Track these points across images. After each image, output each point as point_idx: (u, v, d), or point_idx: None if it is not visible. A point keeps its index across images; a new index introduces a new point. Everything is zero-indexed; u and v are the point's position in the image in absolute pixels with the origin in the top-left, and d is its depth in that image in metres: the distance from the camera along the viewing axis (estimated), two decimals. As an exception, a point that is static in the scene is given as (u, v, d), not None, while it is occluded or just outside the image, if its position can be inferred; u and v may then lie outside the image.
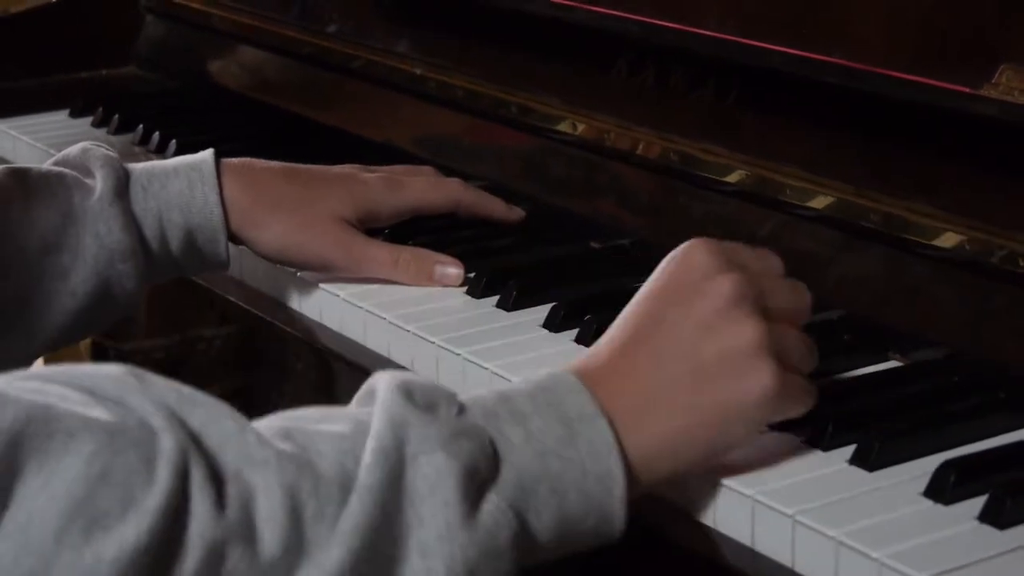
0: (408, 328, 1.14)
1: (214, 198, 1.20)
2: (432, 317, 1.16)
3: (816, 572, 0.85)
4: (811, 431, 0.94)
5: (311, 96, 1.65)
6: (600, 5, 1.28)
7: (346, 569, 0.76)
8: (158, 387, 0.78)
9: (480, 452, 0.81)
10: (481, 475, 0.81)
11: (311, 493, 0.77)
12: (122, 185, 1.18)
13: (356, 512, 0.77)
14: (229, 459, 0.76)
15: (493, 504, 0.81)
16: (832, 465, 0.92)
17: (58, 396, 0.75)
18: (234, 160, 1.24)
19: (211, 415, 0.78)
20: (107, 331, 1.66)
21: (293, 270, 1.25)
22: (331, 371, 1.70)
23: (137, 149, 1.60)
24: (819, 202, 1.13)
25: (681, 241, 1.21)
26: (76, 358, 2.82)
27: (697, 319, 0.90)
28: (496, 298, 1.19)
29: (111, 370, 0.78)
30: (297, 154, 1.53)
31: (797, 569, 0.86)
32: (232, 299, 1.31)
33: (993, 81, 1.00)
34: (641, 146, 1.27)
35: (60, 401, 0.74)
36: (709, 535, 0.91)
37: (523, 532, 0.82)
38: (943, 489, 0.87)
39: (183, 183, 1.20)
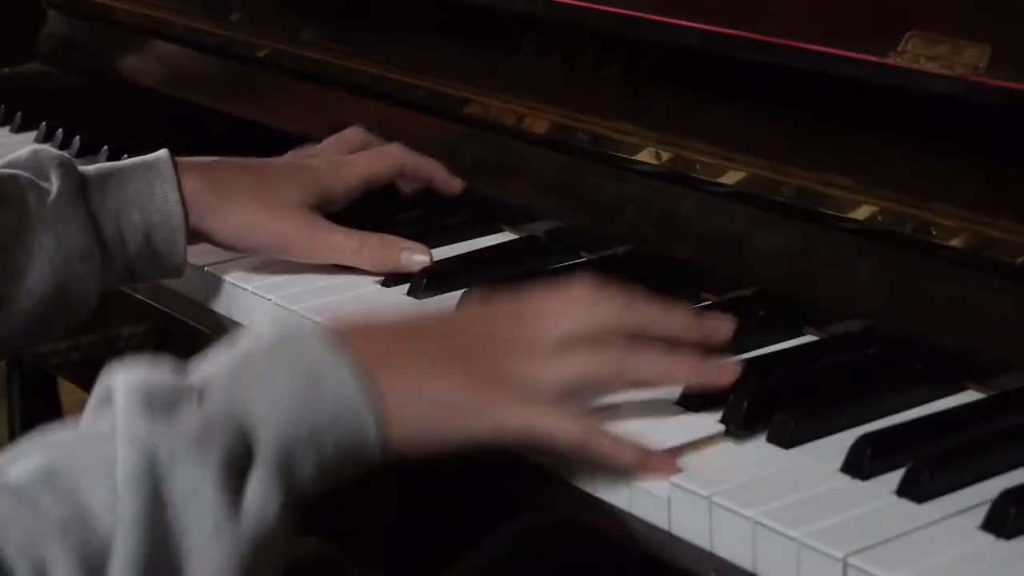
0: (317, 319, 1.12)
1: (174, 196, 1.17)
2: (342, 306, 1.14)
3: (734, 553, 0.84)
4: (727, 410, 0.93)
5: (219, 88, 1.63)
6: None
7: None
8: None
9: (232, 438, 0.82)
10: (238, 460, 0.82)
11: (100, 548, 0.78)
12: (79, 185, 1.15)
13: (123, 549, 0.78)
14: (13, 537, 0.76)
15: (257, 481, 0.82)
16: (749, 444, 0.91)
17: None
18: (187, 158, 1.21)
19: None
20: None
21: (202, 265, 1.23)
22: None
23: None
24: (731, 177, 1.12)
25: (593, 221, 1.21)
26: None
27: (462, 333, 0.92)
28: (407, 286, 1.17)
29: None
30: (207, 147, 1.51)
31: (715, 551, 0.85)
32: (146, 299, 1.28)
33: (899, 49, 0.99)
34: (550, 127, 1.26)
35: None
36: (627, 521, 0.89)
37: (289, 495, 0.83)
38: (860, 464, 0.86)
39: (141, 182, 1.17)
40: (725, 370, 0.93)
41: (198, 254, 1.23)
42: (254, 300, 1.19)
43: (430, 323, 0.94)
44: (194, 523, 0.80)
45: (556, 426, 0.88)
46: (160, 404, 0.82)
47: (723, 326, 0.96)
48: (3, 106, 1.66)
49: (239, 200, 1.20)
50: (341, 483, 0.87)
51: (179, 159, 1.20)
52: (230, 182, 1.21)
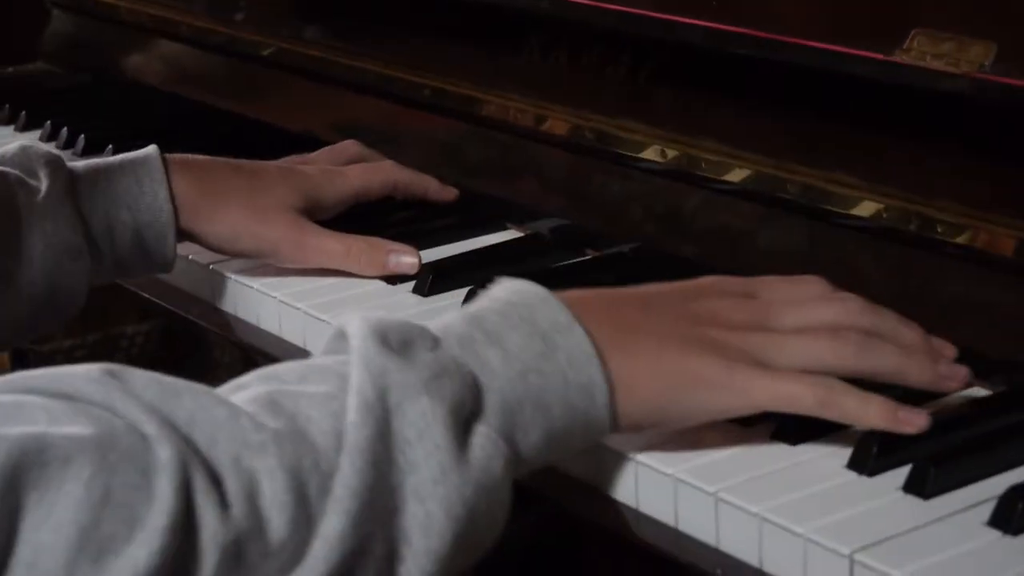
0: (323, 317, 1.12)
1: (164, 194, 1.16)
2: (347, 305, 1.14)
3: (740, 549, 0.84)
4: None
5: (224, 86, 1.63)
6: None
7: (347, 532, 0.75)
8: (139, 382, 0.76)
9: (462, 386, 0.81)
10: (467, 409, 0.81)
11: (312, 469, 0.76)
12: (68, 183, 1.15)
13: (348, 475, 0.76)
14: (225, 449, 0.75)
15: (483, 436, 0.81)
16: (755, 441, 0.91)
17: (41, 409, 0.72)
18: (178, 156, 1.21)
19: (199, 404, 0.76)
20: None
21: (207, 263, 1.23)
22: (257, 364, 1.68)
23: (45, 146, 1.57)
24: (737, 175, 1.12)
25: (600, 219, 1.21)
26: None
27: (693, 308, 0.90)
28: (412, 284, 1.17)
29: (88, 371, 0.76)
30: (211, 146, 1.52)
31: (721, 547, 0.85)
32: (151, 297, 1.28)
33: (905, 47, 0.99)
34: (557, 125, 1.26)
35: (46, 419, 0.72)
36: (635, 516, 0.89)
37: (514, 455, 0.82)
38: (866, 460, 0.86)
39: (130, 180, 1.17)
40: (954, 375, 0.91)
41: (203, 252, 1.23)
42: (260, 298, 1.19)
43: (662, 296, 0.92)
44: (420, 462, 0.78)
45: (798, 389, 0.87)
46: (396, 342, 0.82)
47: (949, 349, 0.93)
48: (7, 105, 1.66)
49: (229, 203, 1.19)
50: (568, 452, 0.87)
51: (170, 156, 1.19)
52: (220, 184, 1.20)
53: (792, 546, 0.81)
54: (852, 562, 0.79)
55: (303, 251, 1.20)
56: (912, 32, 0.99)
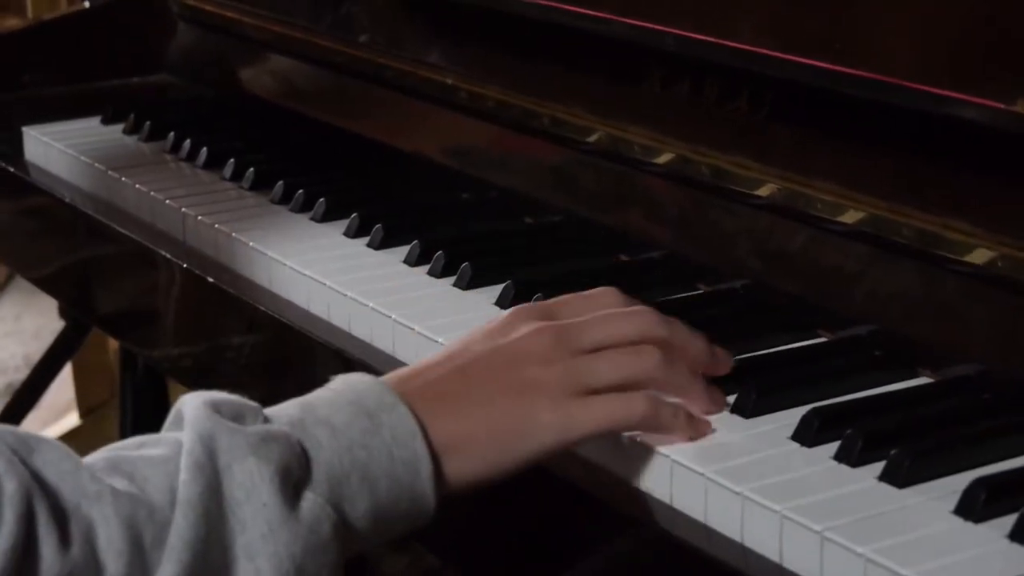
0: (438, 340, 1.14)
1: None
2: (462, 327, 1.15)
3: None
4: (841, 446, 0.94)
5: (342, 105, 1.65)
6: (634, 17, 1.28)
7: None
8: (1, 430, 0.81)
9: (290, 453, 0.85)
10: (294, 475, 0.85)
11: (147, 521, 0.81)
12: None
13: (182, 527, 0.81)
14: (68, 496, 0.80)
15: (310, 501, 0.85)
16: (862, 481, 0.92)
17: None
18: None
19: (48, 456, 0.82)
20: (135, 338, 1.66)
21: (322, 281, 1.25)
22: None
23: (168, 156, 1.60)
24: (850, 216, 1.12)
25: (711, 254, 1.22)
26: (105, 365, 2.83)
27: (499, 350, 0.94)
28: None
29: None
30: (329, 163, 1.54)
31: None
32: (260, 307, 1.30)
33: (1027, 98, 0.99)
34: (672, 159, 1.27)
35: None
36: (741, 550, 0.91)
37: (342, 524, 0.86)
38: (974, 506, 0.87)
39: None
40: (718, 400, 0.99)
41: (312, 264, 1.25)
42: (374, 316, 1.20)
43: (472, 350, 0.95)
44: (249, 521, 0.83)
45: (620, 409, 0.93)
46: (228, 413, 0.87)
47: (729, 360, 1.02)
48: (132, 115, 1.69)
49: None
50: (394, 529, 0.90)
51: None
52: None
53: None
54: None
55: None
56: (1034, 83, 0.99)
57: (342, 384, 0.92)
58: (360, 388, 0.91)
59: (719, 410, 0.98)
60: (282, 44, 1.72)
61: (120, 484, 0.82)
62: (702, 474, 0.92)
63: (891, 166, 1.11)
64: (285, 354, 1.34)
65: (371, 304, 1.20)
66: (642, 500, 0.95)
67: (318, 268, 1.27)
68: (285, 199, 1.44)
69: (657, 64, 1.28)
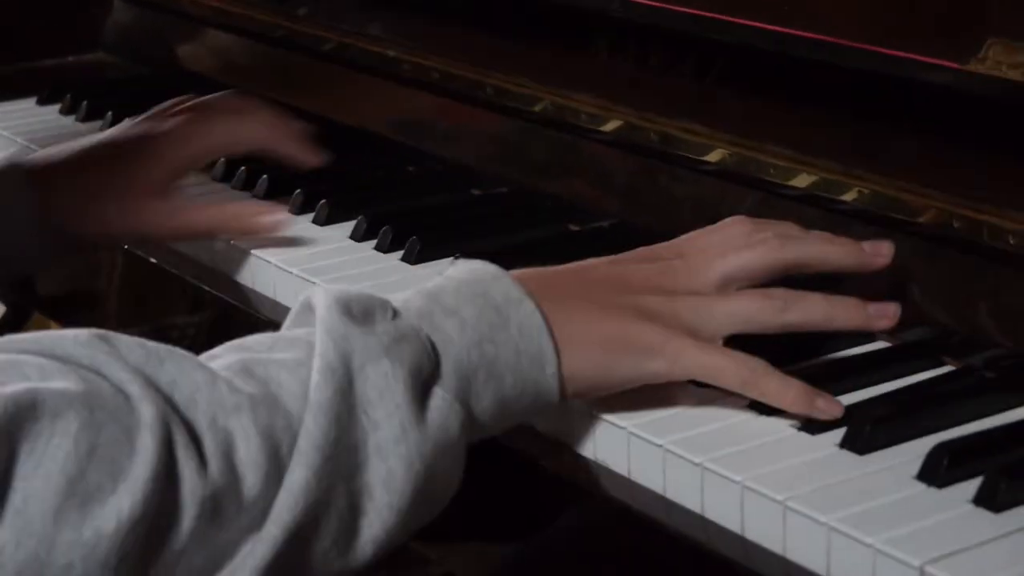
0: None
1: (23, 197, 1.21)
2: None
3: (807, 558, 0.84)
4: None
5: (284, 80, 1.63)
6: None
7: (311, 485, 0.80)
8: (125, 346, 0.80)
9: (421, 351, 0.86)
10: (425, 373, 0.85)
11: (283, 430, 0.80)
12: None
13: (312, 431, 0.81)
14: (203, 410, 0.79)
15: (440, 398, 0.86)
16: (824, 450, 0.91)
17: (35, 367, 0.77)
18: (49, 152, 1.25)
19: (180, 368, 0.80)
20: (77, 322, 1.63)
21: (262, 255, 1.23)
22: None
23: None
24: (802, 180, 1.11)
25: (661, 222, 1.21)
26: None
27: (627, 275, 0.96)
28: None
29: (79, 335, 0.80)
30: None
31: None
32: (205, 287, 1.29)
33: (980, 56, 0.98)
34: (620, 126, 1.25)
35: (38, 376, 0.76)
36: (702, 522, 0.90)
37: (468, 419, 0.87)
38: (937, 472, 0.86)
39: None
40: (884, 313, 0.97)
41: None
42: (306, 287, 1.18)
43: (598, 268, 0.97)
44: (382, 420, 0.83)
45: (725, 364, 0.92)
46: (358, 311, 0.86)
47: (885, 248, 0.99)
48: (69, 95, 1.66)
49: (97, 196, 1.22)
50: (518, 418, 0.91)
51: (46, 153, 1.25)
52: (89, 179, 1.23)
53: (861, 556, 0.81)
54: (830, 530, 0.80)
55: (174, 230, 1.24)
56: (988, 42, 0.98)
57: (466, 272, 0.92)
58: (486, 280, 0.91)
59: (888, 323, 0.97)
60: (220, 19, 1.70)
61: (255, 390, 0.81)
62: (660, 445, 0.91)
63: (844, 129, 1.11)
64: (231, 334, 1.32)
65: (318, 281, 1.18)
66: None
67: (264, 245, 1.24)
68: (227, 178, 1.42)
69: (602, 30, 1.27)
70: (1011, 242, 0.98)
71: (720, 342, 0.94)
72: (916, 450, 0.88)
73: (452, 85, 1.41)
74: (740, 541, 0.87)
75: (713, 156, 1.18)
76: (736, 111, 1.18)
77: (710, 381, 0.93)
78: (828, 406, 0.92)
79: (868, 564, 0.80)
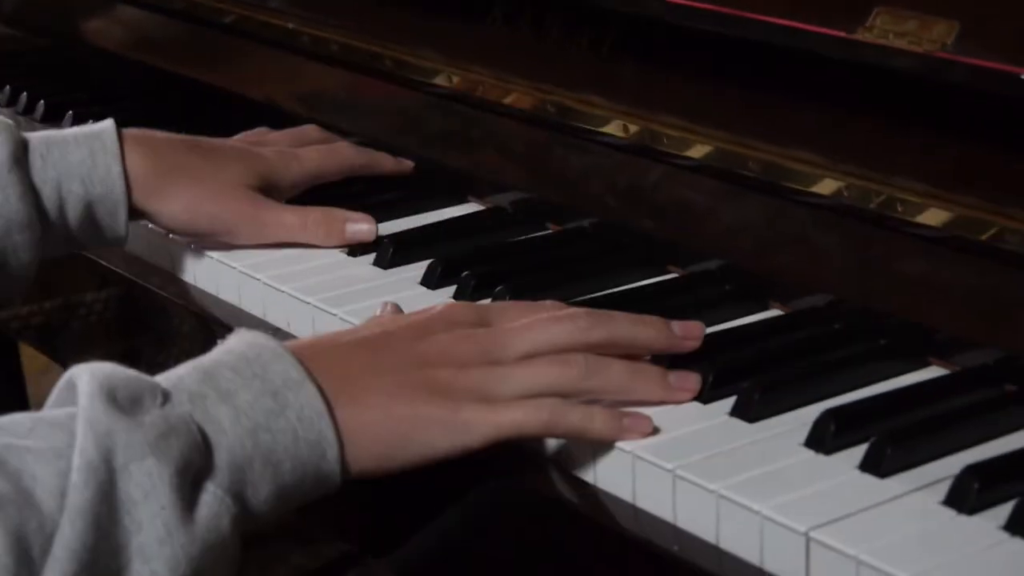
0: (283, 289, 1.12)
1: (116, 169, 1.16)
2: (308, 277, 1.14)
3: (697, 524, 0.84)
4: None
5: (185, 53, 1.61)
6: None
7: None
8: None
9: (191, 445, 0.81)
10: (194, 467, 0.81)
11: (37, 530, 0.76)
12: (20, 153, 1.13)
13: (69, 536, 0.76)
14: None
15: (210, 494, 0.81)
16: (714, 418, 0.91)
17: None
18: (134, 130, 1.20)
19: None
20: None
21: (168, 234, 1.22)
22: (215, 334, 1.68)
23: (4, 111, 1.56)
24: (698, 151, 1.12)
25: (561, 194, 1.21)
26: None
27: (420, 349, 0.91)
28: (373, 256, 1.17)
29: None
30: (173, 113, 1.51)
31: (678, 523, 0.85)
32: (109, 265, 1.28)
33: (867, 24, 0.99)
34: (518, 98, 1.25)
35: None
36: (593, 493, 0.90)
37: (242, 512, 0.83)
38: (824, 439, 0.87)
39: (84, 152, 1.15)
40: (685, 385, 0.93)
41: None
42: (220, 268, 1.18)
43: (392, 341, 0.92)
44: (145, 523, 0.79)
45: (522, 416, 0.89)
46: (124, 399, 0.81)
47: (695, 330, 0.96)
48: (-34, 69, 1.65)
49: (183, 181, 1.19)
50: (297, 504, 0.87)
51: (126, 131, 1.19)
52: (175, 161, 1.20)
53: (750, 524, 0.81)
54: (808, 540, 0.79)
55: (260, 226, 1.19)
56: (875, 10, 0.99)
57: (244, 346, 0.87)
58: (265, 359, 0.86)
59: (687, 395, 0.93)
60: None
61: (7, 486, 0.76)
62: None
63: (737, 99, 1.11)
64: (138, 312, 1.32)
65: (224, 260, 1.18)
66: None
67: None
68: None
69: (499, 1, 1.27)
70: (899, 210, 0.99)
71: None
72: (805, 417, 0.89)
73: (352, 57, 1.40)
74: (632, 510, 0.87)
75: (610, 127, 1.18)
76: (632, 82, 1.18)
77: (516, 437, 0.89)
78: (637, 424, 0.89)
79: (756, 530, 0.81)
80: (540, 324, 0.93)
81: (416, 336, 0.92)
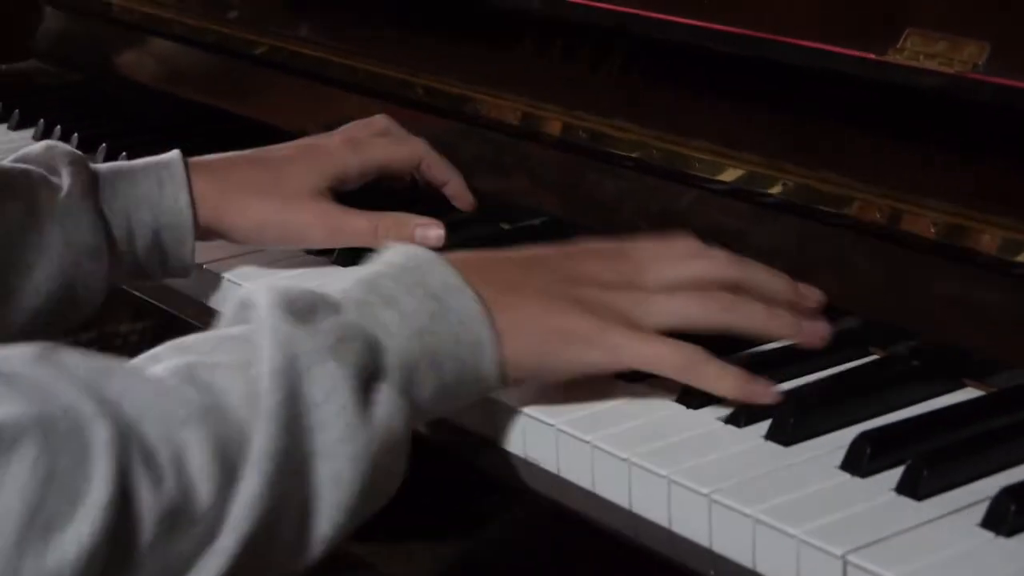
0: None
1: (184, 197, 1.17)
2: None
3: (733, 550, 0.84)
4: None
5: (216, 85, 1.62)
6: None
7: (264, 493, 0.80)
8: (72, 362, 0.78)
9: (365, 348, 0.86)
10: (369, 370, 0.86)
11: (234, 437, 0.80)
12: (90, 183, 1.15)
13: (263, 439, 0.80)
14: (154, 424, 0.78)
15: (384, 395, 0.86)
16: (749, 442, 0.91)
17: None
18: (199, 158, 1.21)
19: (127, 382, 0.79)
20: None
21: (201, 263, 1.23)
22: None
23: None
24: (729, 175, 1.12)
25: (592, 218, 1.21)
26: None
27: (568, 267, 0.96)
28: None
29: (24, 352, 0.78)
30: (206, 144, 1.52)
31: (713, 548, 0.85)
32: (144, 296, 1.28)
33: (898, 46, 0.99)
34: (549, 124, 1.26)
35: None
36: (629, 516, 0.90)
37: (411, 410, 0.88)
38: (860, 462, 0.86)
39: (152, 182, 1.17)
40: (817, 331, 0.98)
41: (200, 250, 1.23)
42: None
43: (543, 259, 0.97)
44: (329, 421, 0.83)
45: (664, 352, 0.93)
46: (301, 309, 0.86)
47: (816, 294, 1.01)
48: (0, 103, 1.66)
49: (251, 196, 1.20)
50: (459, 404, 0.92)
51: (191, 159, 1.20)
52: (241, 178, 1.21)
53: (785, 547, 0.81)
54: (846, 563, 0.79)
55: (330, 232, 1.21)
56: (906, 32, 0.99)
57: (403, 257, 0.92)
58: (423, 266, 0.91)
59: (819, 341, 0.97)
60: (151, 25, 1.70)
61: (203, 398, 0.80)
62: (587, 441, 0.91)
63: (768, 122, 1.11)
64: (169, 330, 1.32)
65: (242, 283, 1.18)
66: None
67: (204, 255, 1.24)
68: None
69: (529, 29, 1.27)
70: (931, 231, 0.98)
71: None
72: (839, 440, 0.89)
73: (383, 86, 1.41)
74: (667, 534, 0.87)
75: (641, 152, 1.18)
76: (663, 107, 1.18)
77: (649, 369, 0.94)
78: (764, 391, 0.93)
79: (792, 554, 0.81)
80: (680, 259, 0.98)
81: (564, 257, 0.97)
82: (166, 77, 1.69)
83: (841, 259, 1.05)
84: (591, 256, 0.98)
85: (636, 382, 0.97)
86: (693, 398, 0.95)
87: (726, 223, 1.12)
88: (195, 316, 1.24)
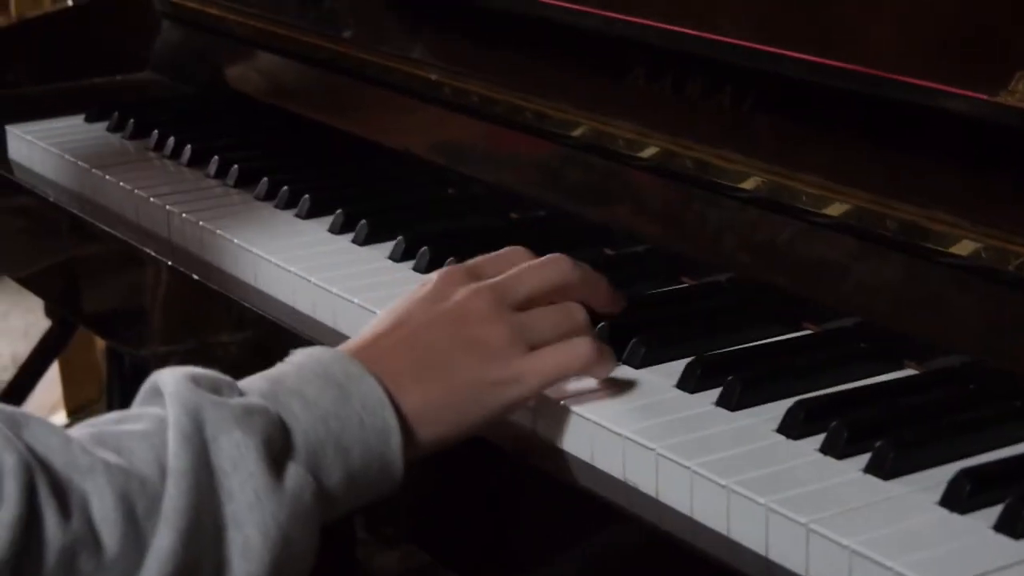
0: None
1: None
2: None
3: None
4: (827, 437, 0.94)
5: (327, 102, 1.64)
6: (616, 11, 1.28)
7: (178, 549, 0.82)
8: None
9: (271, 425, 0.87)
10: (276, 446, 0.87)
11: (139, 492, 0.83)
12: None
13: (175, 496, 0.82)
14: (59, 469, 0.81)
15: (293, 471, 0.87)
16: (847, 474, 0.92)
17: None
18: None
19: (36, 431, 0.83)
20: (121, 336, 1.65)
21: (307, 277, 1.25)
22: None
23: (152, 154, 1.60)
24: (836, 209, 1.12)
25: (696, 248, 1.22)
26: (93, 363, 2.82)
27: (444, 314, 0.97)
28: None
29: None
30: (314, 160, 1.54)
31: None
32: (246, 304, 1.30)
33: (1010, 88, 0.99)
34: (657, 152, 1.27)
35: None
36: (726, 543, 0.90)
37: (320, 492, 0.89)
38: (959, 498, 0.87)
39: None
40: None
41: (294, 262, 1.25)
42: (360, 312, 1.20)
43: (415, 314, 0.98)
44: (236, 491, 0.84)
45: (563, 359, 0.98)
46: (206, 386, 0.88)
47: (622, 299, 1.09)
48: (116, 113, 1.69)
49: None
50: (363, 497, 0.92)
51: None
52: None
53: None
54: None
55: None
56: (1017, 74, 0.99)
57: (303, 357, 0.94)
58: (324, 360, 0.93)
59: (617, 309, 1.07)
60: (265, 40, 1.72)
61: (107, 455, 0.83)
62: (688, 467, 0.92)
63: (876, 158, 1.11)
64: (271, 351, 1.34)
65: (356, 300, 1.20)
66: (626, 492, 0.95)
67: (303, 265, 1.26)
68: (270, 196, 1.44)
69: (641, 58, 1.28)
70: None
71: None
72: (938, 476, 0.89)
73: (493, 109, 1.43)
74: (764, 563, 0.88)
75: (748, 183, 1.19)
76: (771, 139, 1.19)
77: (561, 378, 0.98)
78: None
79: (890, 586, 0.81)
80: (533, 269, 1.02)
81: (433, 303, 0.98)
82: (279, 92, 1.71)
83: (945, 297, 1.05)
84: (457, 289, 0.99)
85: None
86: (793, 428, 0.96)
87: (831, 257, 1.13)
88: (299, 327, 1.25)
